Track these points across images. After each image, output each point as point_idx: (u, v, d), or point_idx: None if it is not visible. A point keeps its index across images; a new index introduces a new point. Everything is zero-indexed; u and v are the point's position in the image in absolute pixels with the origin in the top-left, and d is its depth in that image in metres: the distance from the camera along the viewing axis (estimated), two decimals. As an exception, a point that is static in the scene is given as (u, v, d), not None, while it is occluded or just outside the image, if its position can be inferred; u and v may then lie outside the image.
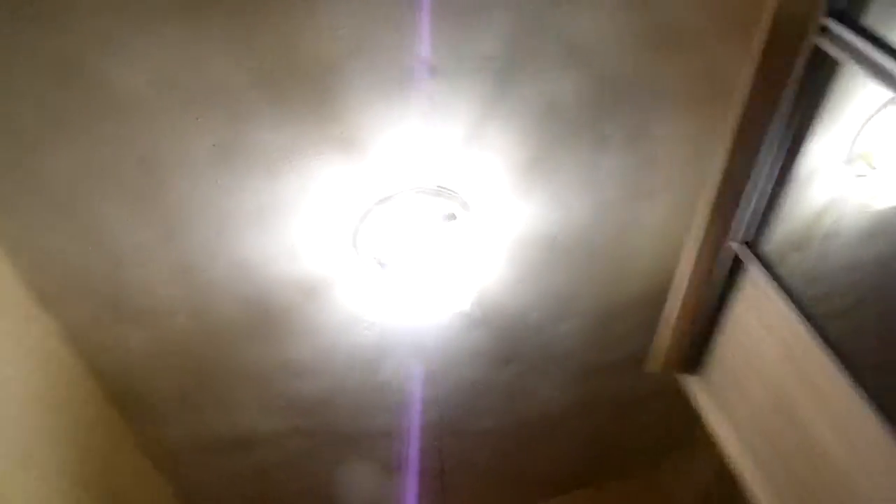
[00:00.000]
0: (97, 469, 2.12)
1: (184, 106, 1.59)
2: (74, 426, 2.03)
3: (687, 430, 3.79)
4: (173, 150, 1.67)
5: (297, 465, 3.06)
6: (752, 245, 1.78)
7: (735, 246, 1.80)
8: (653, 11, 1.74)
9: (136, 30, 1.43)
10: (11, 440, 1.72)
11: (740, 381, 1.96)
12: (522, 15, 1.65)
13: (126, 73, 1.49)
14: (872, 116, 1.74)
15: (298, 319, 2.30)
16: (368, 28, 1.57)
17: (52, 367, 1.95)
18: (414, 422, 3.06)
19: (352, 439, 3.03)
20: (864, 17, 1.35)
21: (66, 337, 2.03)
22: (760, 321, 1.81)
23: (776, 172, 1.64)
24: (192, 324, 2.16)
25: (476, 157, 1.96)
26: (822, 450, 1.66)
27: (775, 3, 1.43)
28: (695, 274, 1.90)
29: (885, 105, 1.76)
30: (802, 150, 1.62)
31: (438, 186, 2.00)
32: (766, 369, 1.83)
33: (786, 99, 1.52)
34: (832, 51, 1.39)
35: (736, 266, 1.85)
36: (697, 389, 2.15)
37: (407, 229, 2.07)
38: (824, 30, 1.39)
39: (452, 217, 2.09)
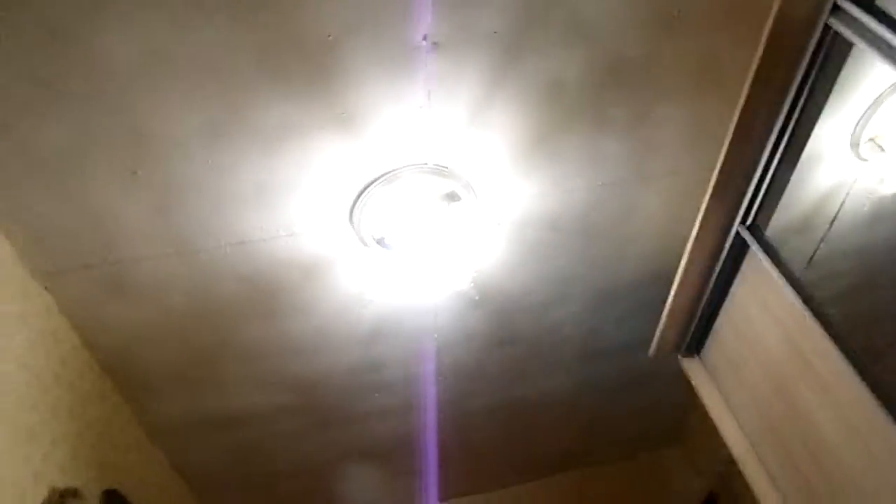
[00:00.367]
0: (94, 442, 2.14)
1: (177, 79, 1.56)
2: (71, 400, 2.03)
3: (685, 412, 3.82)
4: (167, 124, 1.64)
5: (291, 442, 3.08)
6: (754, 228, 1.77)
7: (738, 229, 1.79)
8: (661, -11, 1.71)
9: None
10: (10, 414, 1.72)
11: (740, 364, 1.96)
12: (528, -10, 1.62)
13: (118, 42, 1.45)
14: (883, 99, 1.71)
15: (296, 298, 2.29)
16: (370, 3, 1.53)
17: (49, 343, 1.95)
18: (410, 401, 3.07)
19: (348, 418, 3.04)
20: (877, -3, 1.32)
21: (62, 312, 2.02)
22: (762, 304, 1.81)
23: (781, 156, 1.62)
24: (189, 301, 2.15)
25: (478, 137, 1.93)
26: (820, 433, 1.66)
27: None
28: (697, 256, 1.89)
29: (894, 87, 1.73)
30: (809, 133, 1.60)
31: (439, 166, 1.98)
32: (766, 352, 1.83)
33: (794, 81, 1.50)
34: (844, 31, 1.36)
35: (739, 249, 1.83)
36: (697, 372, 2.15)
37: (407, 209, 2.06)
38: (837, 9, 1.37)
39: (454, 197, 2.07)
